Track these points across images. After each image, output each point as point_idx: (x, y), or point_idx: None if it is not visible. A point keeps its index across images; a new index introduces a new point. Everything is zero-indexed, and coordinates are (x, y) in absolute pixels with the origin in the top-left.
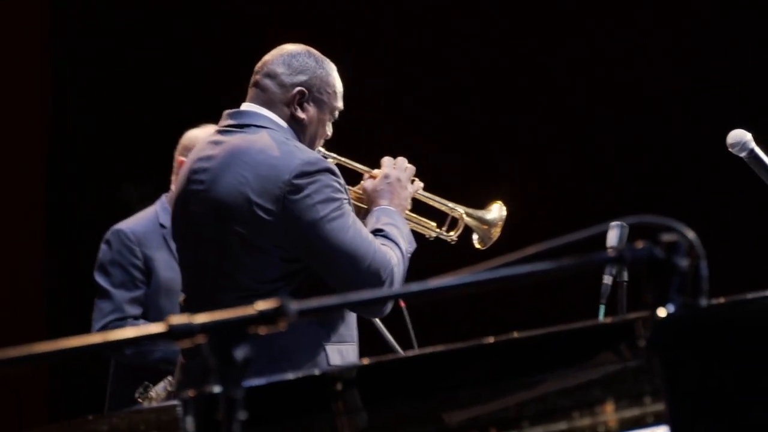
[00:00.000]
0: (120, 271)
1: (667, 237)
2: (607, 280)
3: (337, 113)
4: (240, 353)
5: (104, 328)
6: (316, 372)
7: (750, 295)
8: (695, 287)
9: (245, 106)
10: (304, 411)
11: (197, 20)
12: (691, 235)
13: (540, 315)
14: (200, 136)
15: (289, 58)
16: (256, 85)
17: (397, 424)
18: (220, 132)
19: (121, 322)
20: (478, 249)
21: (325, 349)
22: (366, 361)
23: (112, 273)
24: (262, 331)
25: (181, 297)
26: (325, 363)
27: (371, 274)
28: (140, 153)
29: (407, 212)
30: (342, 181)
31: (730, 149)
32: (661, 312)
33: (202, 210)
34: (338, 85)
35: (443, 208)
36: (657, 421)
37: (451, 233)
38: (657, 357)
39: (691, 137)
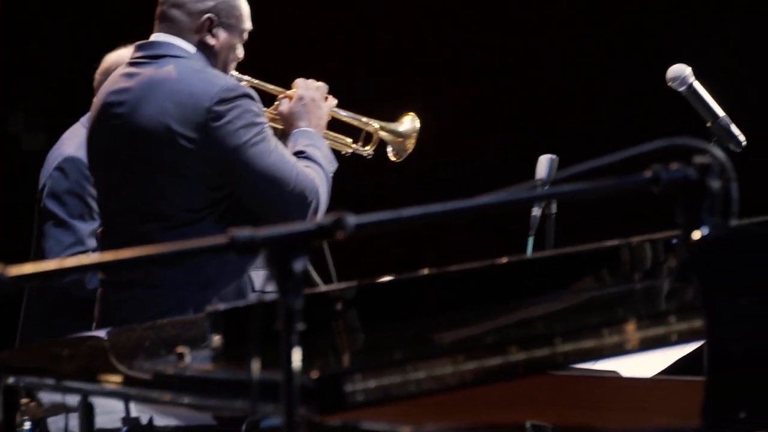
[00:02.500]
0: (77, 202)
1: (699, 159)
2: (536, 212)
3: (246, 35)
4: (298, 265)
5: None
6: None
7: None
8: (726, 208)
9: (155, 37)
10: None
11: None
12: (723, 157)
13: (468, 249)
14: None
15: None
16: (163, 15)
17: (422, 340)
18: (132, 64)
19: (82, 255)
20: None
21: (249, 275)
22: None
23: (69, 203)
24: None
25: (99, 229)
26: (249, 289)
27: (296, 196)
28: (27, 81)
29: (328, 134)
30: (260, 105)
31: (669, 83)
32: (696, 234)
33: (122, 143)
34: (244, 7)
35: (357, 124)
36: (680, 339)
37: (367, 147)
38: (696, 276)
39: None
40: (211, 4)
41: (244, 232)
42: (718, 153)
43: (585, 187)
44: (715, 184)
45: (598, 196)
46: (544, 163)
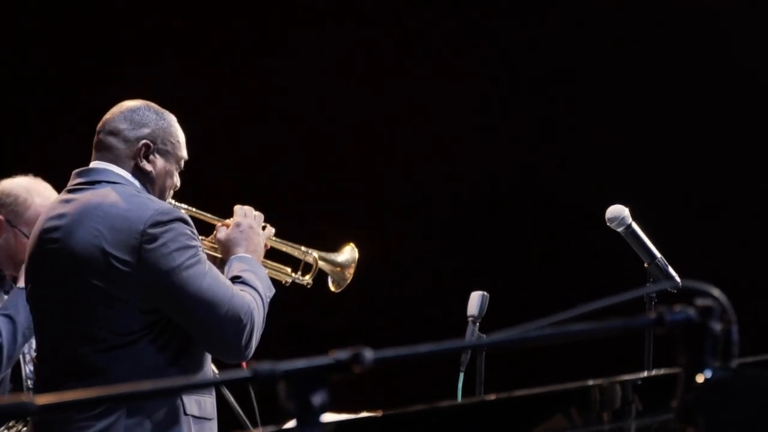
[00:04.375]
0: None
1: (701, 301)
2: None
3: (182, 163)
4: (317, 399)
5: None
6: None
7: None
8: (726, 350)
9: (93, 164)
10: None
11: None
12: (724, 300)
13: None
14: (19, 185)
15: (130, 114)
16: (100, 143)
17: None
18: (69, 191)
19: None
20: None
21: (182, 399)
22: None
23: None
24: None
25: (34, 355)
26: (182, 413)
27: (230, 319)
28: None
29: (266, 263)
30: (194, 229)
31: (608, 224)
32: (700, 377)
33: (57, 267)
34: (181, 135)
35: (296, 253)
36: None
37: (306, 277)
38: (700, 418)
39: None
40: (147, 131)
41: (264, 366)
42: (720, 295)
43: (592, 328)
44: (717, 326)
45: (604, 336)
46: (475, 299)
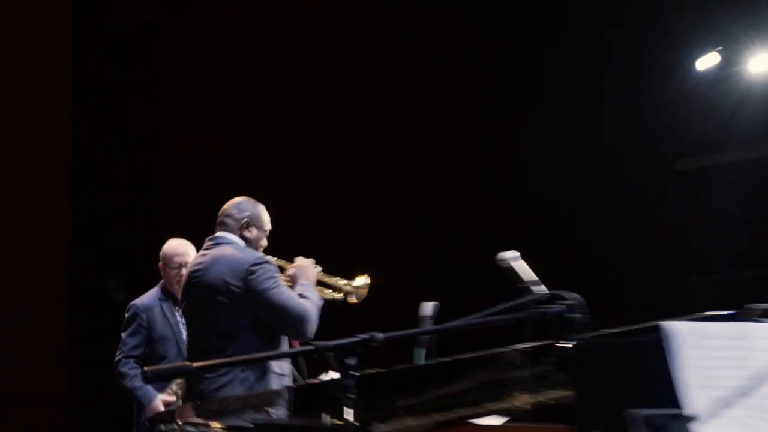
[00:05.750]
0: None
1: (565, 301)
2: None
3: (268, 231)
4: (350, 360)
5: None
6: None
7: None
8: (583, 330)
9: (218, 234)
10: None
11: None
12: (579, 299)
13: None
14: (174, 246)
15: (237, 204)
16: (221, 222)
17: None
18: (205, 249)
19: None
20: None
21: (269, 364)
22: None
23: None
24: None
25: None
26: (270, 371)
27: (297, 317)
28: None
29: (317, 286)
30: (276, 267)
31: (498, 263)
32: (565, 344)
33: (200, 291)
34: (266, 217)
35: (333, 282)
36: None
37: (339, 295)
38: (567, 371)
39: None
40: (247, 214)
41: (320, 343)
42: (576, 296)
43: (507, 317)
44: (575, 315)
45: (511, 323)
46: (429, 306)
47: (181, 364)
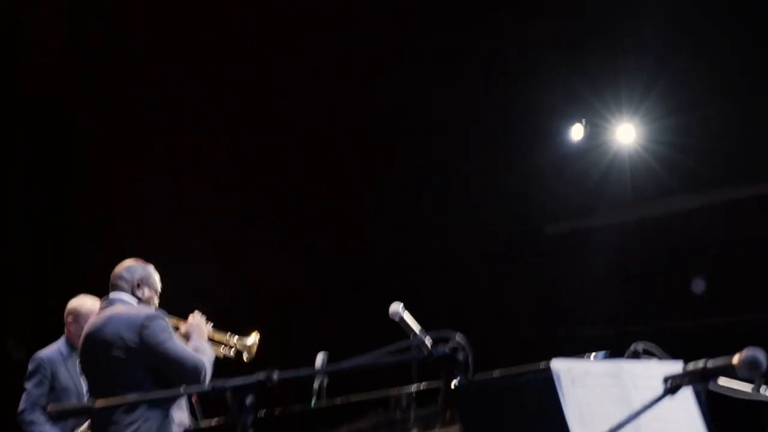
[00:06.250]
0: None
1: (450, 343)
2: (316, 384)
3: (159, 290)
4: (249, 400)
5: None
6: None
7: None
8: (465, 369)
9: (112, 296)
10: None
11: None
12: (465, 342)
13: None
14: (83, 303)
15: (127, 267)
16: (114, 284)
17: None
18: (101, 309)
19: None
20: None
21: (170, 407)
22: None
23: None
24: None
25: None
26: (169, 413)
27: (193, 370)
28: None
29: (209, 339)
30: (168, 322)
31: (390, 316)
32: (453, 384)
33: (97, 347)
34: (156, 277)
35: (224, 339)
36: None
37: (230, 351)
38: (456, 406)
39: None
40: (138, 276)
41: (219, 383)
42: (461, 337)
43: (393, 359)
44: (461, 356)
45: (398, 364)
46: (320, 357)
47: (83, 403)
